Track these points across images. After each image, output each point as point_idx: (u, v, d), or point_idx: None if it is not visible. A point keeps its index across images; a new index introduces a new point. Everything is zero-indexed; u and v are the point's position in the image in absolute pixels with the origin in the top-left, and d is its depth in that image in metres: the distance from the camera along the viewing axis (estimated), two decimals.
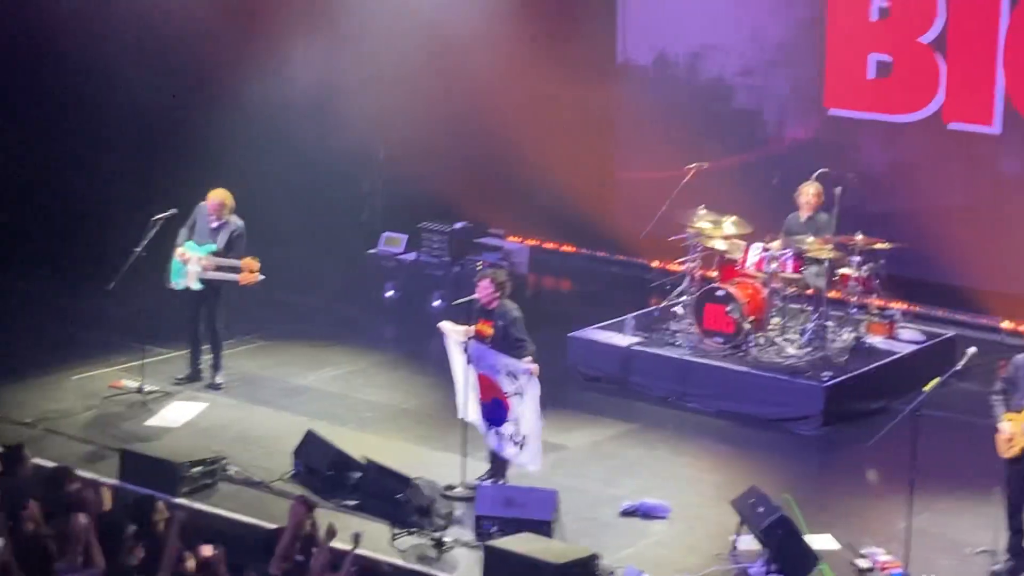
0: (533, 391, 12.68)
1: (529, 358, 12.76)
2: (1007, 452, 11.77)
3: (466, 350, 13.04)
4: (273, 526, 11.41)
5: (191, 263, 15.06)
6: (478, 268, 16.69)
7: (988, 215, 17.33)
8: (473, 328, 13.06)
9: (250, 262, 15.01)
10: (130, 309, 15.57)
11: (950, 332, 16.63)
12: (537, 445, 12.79)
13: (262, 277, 15.07)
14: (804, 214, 15.70)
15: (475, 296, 13.10)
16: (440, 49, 19.10)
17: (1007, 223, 17.16)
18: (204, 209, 15.15)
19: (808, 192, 15.66)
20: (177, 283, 15.17)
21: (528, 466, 12.94)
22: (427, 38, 18.95)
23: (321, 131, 18.93)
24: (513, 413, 12.79)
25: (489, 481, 13.11)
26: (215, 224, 15.10)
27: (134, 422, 14.60)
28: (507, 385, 12.79)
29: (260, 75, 18.60)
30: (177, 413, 14.83)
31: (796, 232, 15.62)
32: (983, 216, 17.37)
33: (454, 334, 13.29)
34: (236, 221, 15.14)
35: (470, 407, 13.17)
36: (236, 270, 15.03)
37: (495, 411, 12.93)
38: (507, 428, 12.89)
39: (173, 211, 15.22)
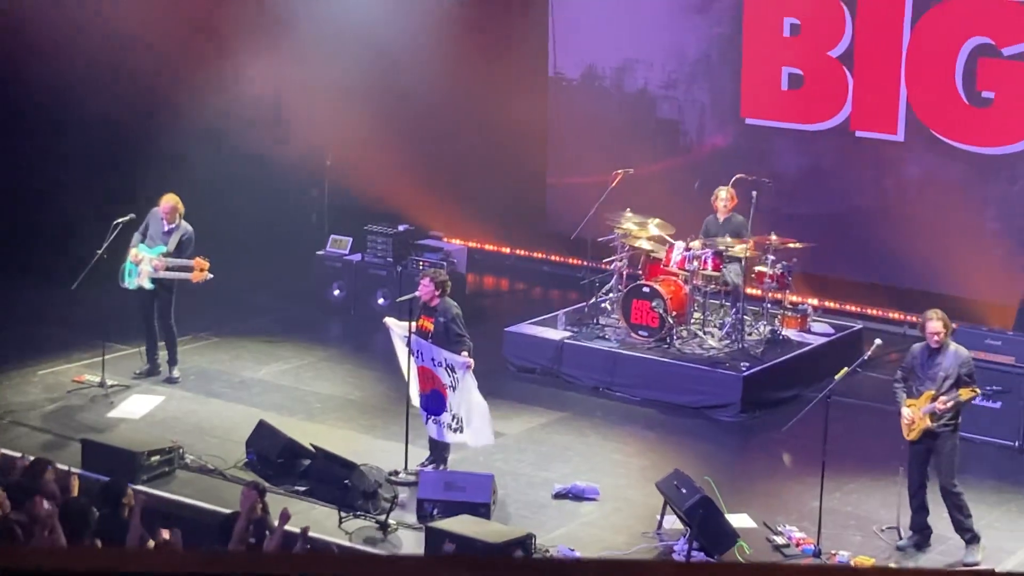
0: (469, 382, 12.68)
1: (466, 353, 12.76)
2: (909, 435, 11.86)
3: (408, 344, 13.03)
4: (228, 511, 11.34)
5: (143, 264, 14.99)
6: (420, 268, 16.66)
7: (893, 216, 17.42)
8: (415, 323, 13.04)
9: (200, 261, 14.96)
10: (92, 308, 15.44)
11: (858, 325, 16.73)
12: (482, 422, 12.78)
13: (211, 276, 15.01)
14: (721, 216, 15.78)
15: (417, 294, 13.09)
16: (383, 62, 19.06)
17: (910, 224, 17.25)
18: (157, 214, 15.08)
19: (722, 195, 15.75)
20: (130, 283, 15.08)
21: (478, 441, 12.91)
22: (371, 51, 18.89)
23: (271, 140, 18.83)
24: (450, 402, 12.79)
25: (430, 466, 13.09)
26: (167, 228, 15.04)
27: (96, 414, 14.49)
28: (445, 377, 12.78)
29: (213, 87, 18.49)
30: (136, 405, 14.73)
31: (714, 233, 15.68)
32: (888, 217, 17.46)
33: (397, 328, 13.30)
34: (186, 226, 15.09)
35: (414, 395, 13.17)
36: (188, 269, 14.97)
37: (435, 401, 12.91)
38: (445, 417, 12.87)
39: (131, 216, 15.13)
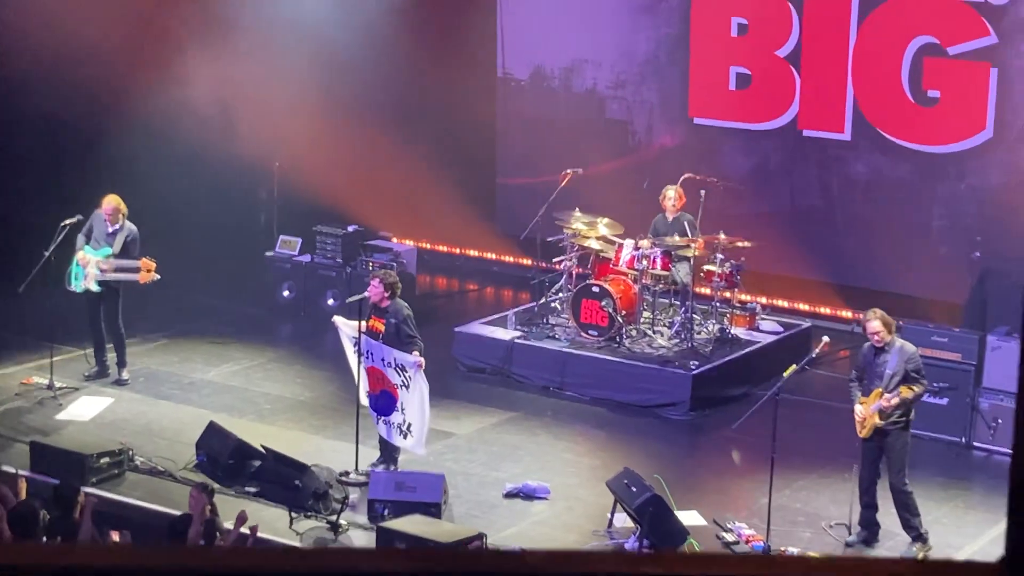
0: (420, 383, 12.69)
1: (417, 353, 12.77)
2: (860, 433, 11.94)
3: (357, 344, 13.03)
4: (178, 513, 11.30)
5: (89, 266, 14.92)
6: (370, 269, 16.64)
7: (840, 215, 17.55)
8: (365, 323, 13.04)
9: (147, 262, 14.91)
10: (40, 310, 15.35)
11: (806, 323, 16.82)
12: (423, 431, 12.80)
13: (158, 276, 14.97)
14: (669, 215, 15.84)
15: (367, 295, 13.09)
16: (331, 63, 19.02)
17: (858, 222, 17.38)
18: (101, 215, 15.02)
19: (670, 195, 15.82)
20: (76, 286, 15.01)
21: (415, 451, 12.94)
22: (319, 52, 18.85)
23: (219, 141, 18.76)
24: (400, 403, 12.80)
25: (381, 467, 13.08)
26: (111, 229, 14.98)
27: (44, 416, 14.41)
28: (394, 377, 12.78)
29: (160, 88, 18.39)
30: (85, 407, 14.66)
31: (662, 232, 15.74)
32: (836, 216, 17.58)
33: (346, 328, 13.30)
34: (130, 226, 15.03)
35: (363, 396, 13.18)
36: (135, 270, 14.91)
37: (384, 402, 12.91)
38: (395, 417, 12.88)
39: (79, 217, 15.07)
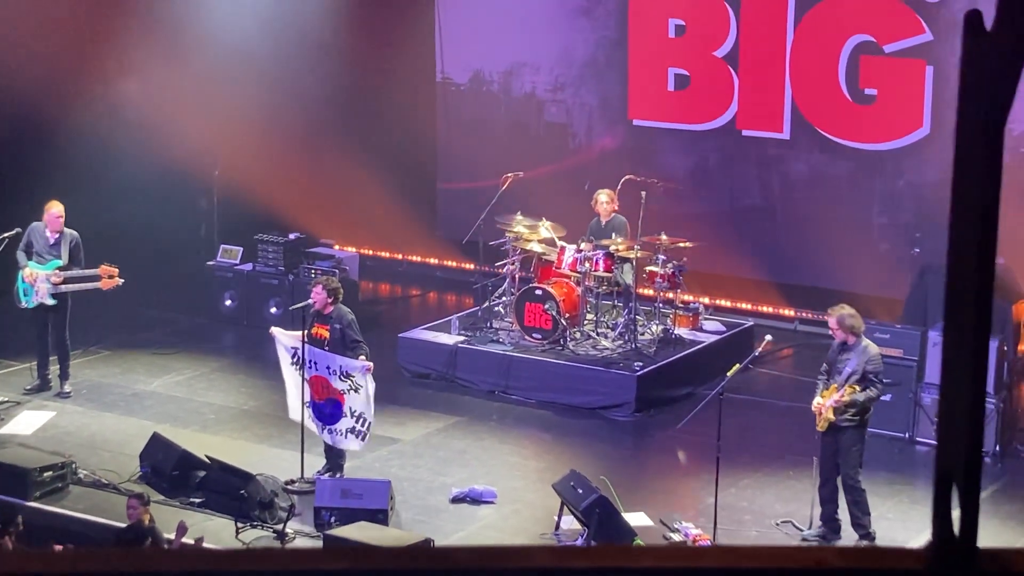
0: (369, 386, 12.73)
1: (363, 357, 12.80)
2: (817, 426, 12.05)
3: (296, 354, 13.03)
4: (122, 525, 11.29)
5: (39, 281, 14.82)
6: (312, 276, 16.63)
7: (781, 214, 17.68)
8: (304, 333, 13.04)
9: (107, 268, 14.87)
10: None
11: (749, 322, 16.92)
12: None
13: (121, 280, 14.94)
14: (603, 219, 15.91)
15: (310, 302, 13.10)
16: (268, 69, 18.98)
17: (798, 220, 17.51)
18: (38, 228, 14.94)
19: (602, 199, 15.91)
20: (27, 302, 14.93)
21: (351, 447, 13.00)
22: (255, 58, 18.81)
23: (158, 151, 18.69)
24: (347, 407, 12.83)
25: (327, 474, 13.09)
26: (53, 239, 14.91)
27: None
28: (338, 383, 12.80)
29: (96, 96, 18.33)
30: (27, 421, 14.57)
31: (598, 235, 15.82)
32: (776, 215, 17.72)
33: (284, 339, 13.30)
34: (71, 232, 14.98)
35: (297, 408, 13.17)
36: (94, 278, 14.86)
37: (331, 409, 12.93)
38: (343, 423, 12.90)
39: (17, 230, 15.00)
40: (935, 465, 1.90)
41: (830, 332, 12.19)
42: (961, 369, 1.88)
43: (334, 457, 13.19)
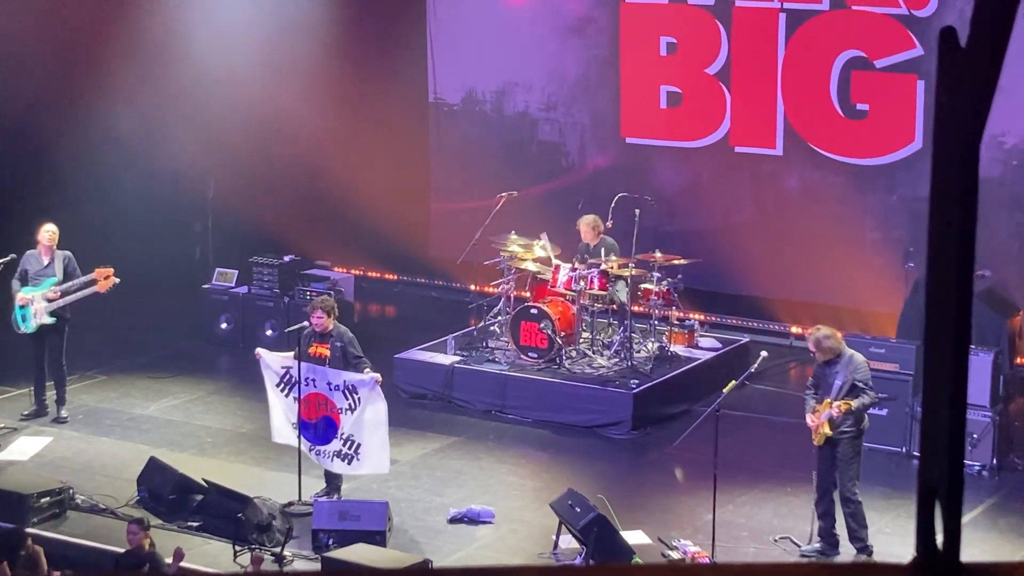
0: (376, 402, 12.78)
1: (368, 370, 12.86)
2: (814, 441, 12.09)
3: (288, 374, 13.04)
4: (120, 550, 11.30)
5: (35, 303, 14.86)
6: (308, 298, 16.64)
7: (774, 229, 17.71)
8: (308, 351, 13.09)
9: (101, 270, 14.92)
10: None
11: (744, 338, 16.95)
12: (382, 451, 12.86)
13: (118, 280, 14.98)
14: (591, 243, 15.94)
15: (311, 326, 13.10)
16: (262, 91, 19.04)
17: (791, 236, 17.54)
18: (31, 254, 14.99)
19: (581, 228, 15.97)
20: (27, 327, 14.96)
21: (377, 471, 12.99)
22: (249, 80, 18.86)
23: (151, 174, 18.73)
24: (343, 429, 12.84)
25: (325, 497, 13.10)
26: (47, 261, 14.96)
27: None
28: (341, 401, 12.84)
29: (90, 120, 18.37)
30: (24, 447, 14.58)
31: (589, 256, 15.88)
32: (769, 230, 17.74)
33: (272, 360, 13.28)
34: (64, 252, 15.05)
35: (284, 430, 13.19)
36: (89, 283, 14.91)
37: (323, 430, 12.96)
38: (333, 445, 12.93)
39: (12, 256, 15.04)
40: (918, 481, 1.93)
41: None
42: (942, 386, 1.92)
43: (332, 479, 13.21)
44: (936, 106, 2.00)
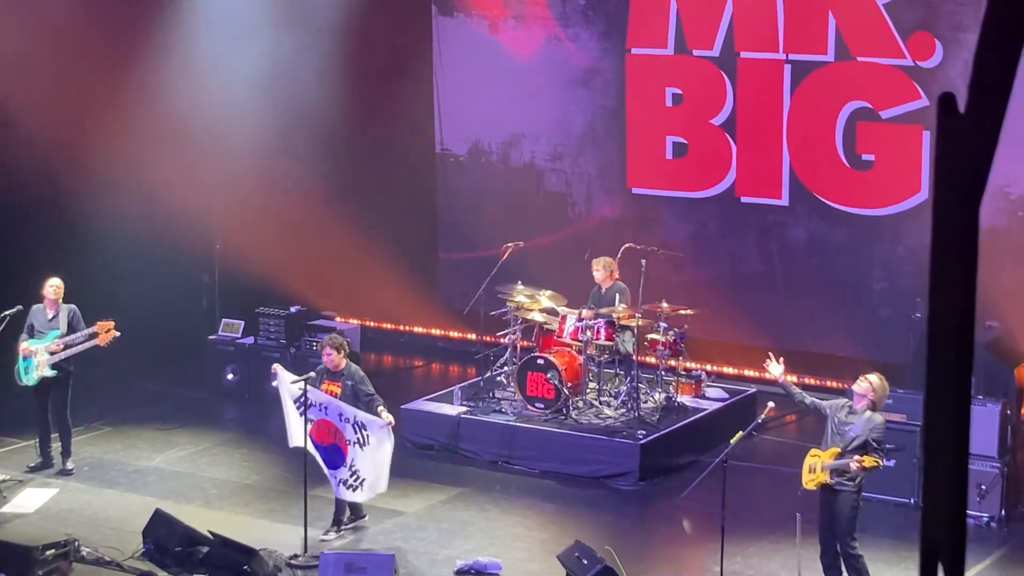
0: (386, 442, 12.95)
1: (383, 410, 13.00)
2: (805, 483, 12.01)
3: (300, 397, 13.12)
4: None
5: (38, 355, 14.91)
6: (314, 349, 16.67)
7: (780, 279, 17.74)
8: (319, 388, 13.22)
9: (103, 323, 14.97)
10: None
11: (751, 389, 16.94)
12: (379, 477, 13.05)
13: (118, 334, 15.02)
14: (603, 287, 16.01)
15: (312, 375, 13.23)
16: (269, 143, 19.13)
17: (798, 286, 17.57)
18: (38, 308, 15.06)
19: (595, 272, 16.02)
20: (28, 379, 15.00)
21: (374, 492, 13.20)
22: (256, 132, 18.95)
23: (158, 225, 18.79)
24: (349, 459, 12.99)
25: (331, 531, 13.24)
26: (51, 315, 15.02)
27: None
28: (350, 434, 12.99)
29: (95, 173, 18.44)
30: (30, 499, 14.59)
31: (599, 302, 15.92)
32: (776, 280, 17.77)
33: (287, 383, 13.35)
34: (68, 306, 15.10)
35: (299, 438, 13.26)
36: (91, 336, 14.96)
37: (332, 455, 13.13)
38: (342, 473, 13.09)
39: (19, 307, 15.10)
40: (920, 537, 1.96)
41: (855, 394, 11.99)
42: (944, 442, 1.95)
43: (339, 511, 13.47)
44: (935, 170, 2.05)
